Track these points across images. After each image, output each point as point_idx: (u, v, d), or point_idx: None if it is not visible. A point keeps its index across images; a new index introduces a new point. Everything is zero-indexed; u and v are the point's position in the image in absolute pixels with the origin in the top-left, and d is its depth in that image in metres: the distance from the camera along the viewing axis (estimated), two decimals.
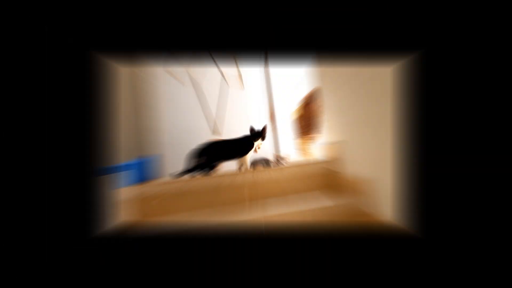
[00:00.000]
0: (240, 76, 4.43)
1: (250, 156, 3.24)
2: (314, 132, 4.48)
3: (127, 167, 2.79)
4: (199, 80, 4.24)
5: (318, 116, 4.40)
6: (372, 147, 2.12)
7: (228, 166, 3.41)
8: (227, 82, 4.39)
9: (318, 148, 3.08)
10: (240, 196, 2.54)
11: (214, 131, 4.23)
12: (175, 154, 4.05)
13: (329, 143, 2.71)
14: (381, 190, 2.05)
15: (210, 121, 4.22)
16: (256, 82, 4.51)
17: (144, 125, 4.32)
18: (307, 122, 4.48)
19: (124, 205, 2.36)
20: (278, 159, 3.72)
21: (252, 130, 3.09)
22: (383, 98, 1.95)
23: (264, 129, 3.04)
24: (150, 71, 4.04)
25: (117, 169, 2.76)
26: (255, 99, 4.52)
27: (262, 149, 3.44)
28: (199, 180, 2.54)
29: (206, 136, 4.18)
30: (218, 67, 4.34)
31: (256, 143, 3.02)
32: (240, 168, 3.11)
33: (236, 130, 4.22)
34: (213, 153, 2.96)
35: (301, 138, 4.46)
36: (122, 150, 3.34)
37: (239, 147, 2.99)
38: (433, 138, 1.60)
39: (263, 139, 3.03)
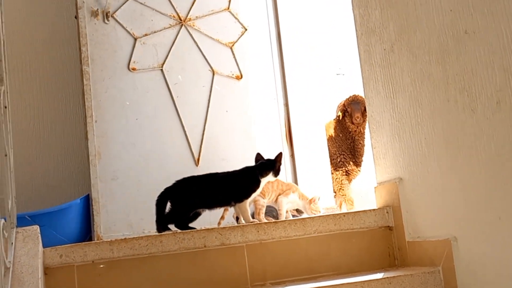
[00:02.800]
0: (231, 47, 4.13)
1: (254, 200, 2.95)
2: (355, 163, 4.24)
3: (57, 213, 2.51)
4: (171, 75, 3.99)
5: (361, 137, 4.21)
6: (448, 187, 1.96)
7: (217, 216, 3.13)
8: (211, 68, 4.09)
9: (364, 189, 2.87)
10: (235, 271, 2.27)
11: (198, 158, 3.94)
12: (130, 194, 3.82)
13: (380, 182, 2.50)
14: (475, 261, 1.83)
15: (191, 142, 3.93)
16: (261, 63, 4.29)
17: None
18: (342, 146, 4.22)
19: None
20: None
21: (258, 159, 2.82)
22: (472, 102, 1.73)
23: (278, 159, 2.75)
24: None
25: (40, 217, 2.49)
26: (259, 96, 4.22)
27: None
28: (167, 239, 2.26)
29: (186, 167, 3.93)
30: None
31: (264, 180, 2.73)
32: (237, 220, 2.83)
33: (230, 156, 3.98)
34: (189, 196, 2.64)
35: (335, 172, 4.18)
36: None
37: (235, 186, 2.68)
38: None
39: (276, 173, 2.74)
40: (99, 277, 2.18)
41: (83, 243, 2.26)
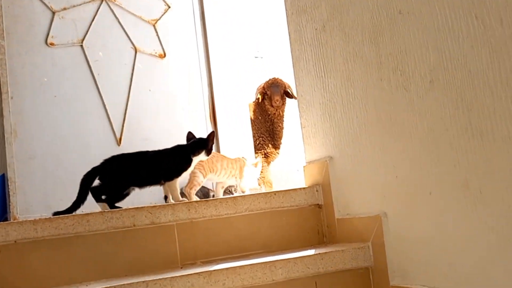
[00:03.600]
0: (154, 25, 4.02)
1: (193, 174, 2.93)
2: (273, 145, 4.26)
3: None
4: (91, 51, 3.87)
5: (280, 119, 4.24)
6: (379, 165, 1.99)
7: (147, 195, 3.07)
8: (133, 46, 4.01)
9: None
10: (165, 250, 2.23)
11: (120, 138, 3.83)
12: (48, 174, 3.68)
13: (310, 161, 2.50)
14: (402, 237, 1.87)
15: (113, 121, 3.82)
16: (184, 42, 4.21)
17: None
18: (261, 129, 4.23)
19: None
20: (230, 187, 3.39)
21: (190, 137, 2.78)
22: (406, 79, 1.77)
23: (210, 137, 2.73)
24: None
25: None
26: (183, 75, 4.17)
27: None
28: (94, 218, 2.18)
29: (107, 148, 3.83)
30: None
31: (196, 159, 2.70)
32: (165, 199, 2.77)
33: (153, 136, 3.91)
34: (119, 174, 2.57)
35: (254, 154, 4.19)
36: None
37: (167, 164, 2.63)
38: None
39: (208, 152, 2.71)
40: (22, 258, 2.07)
41: (5, 222, 2.16)
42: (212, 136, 2.71)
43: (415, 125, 1.77)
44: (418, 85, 1.74)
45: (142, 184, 2.60)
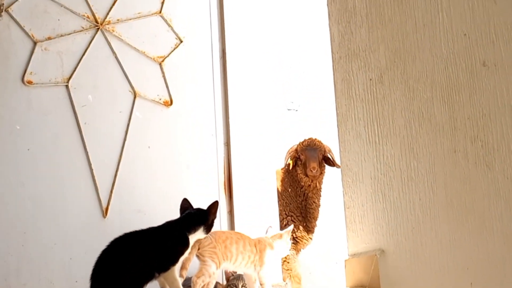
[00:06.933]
0: (161, 63, 4.03)
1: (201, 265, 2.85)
2: (305, 228, 4.21)
3: None
4: (79, 94, 3.88)
5: (316, 194, 4.18)
6: (448, 265, 1.95)
7: None
8: (132, 89, 4.05)
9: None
10: None
11: (106, 207, 3.81)
12: (10, 250, 3.67)
13: (354, 253, 2.47)
14: None
15: (99, 185, 3.81)
16: (197, 87, 4.22)
17: None
18: (291, 204, 4.19)
19: None
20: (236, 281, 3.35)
21: (185, 207, 2.81)
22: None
23: (212, 210, 2.75)
24: None
25: None
26: (192, 129, 4.14)
27: None
28: None
29: (89, 219, 3.82)
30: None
31: (193, 237, 2.69)
32: None
33: (149, 207, 3.89)
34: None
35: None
36: None
37: (156, 248, 2.61)
38: None
39: (207, 229, 2.72)
40: None
41: None
42: (215, 208, 2.76)
43: (499, 215, 1.73)
44: (506, 162, 1.71)
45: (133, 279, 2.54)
